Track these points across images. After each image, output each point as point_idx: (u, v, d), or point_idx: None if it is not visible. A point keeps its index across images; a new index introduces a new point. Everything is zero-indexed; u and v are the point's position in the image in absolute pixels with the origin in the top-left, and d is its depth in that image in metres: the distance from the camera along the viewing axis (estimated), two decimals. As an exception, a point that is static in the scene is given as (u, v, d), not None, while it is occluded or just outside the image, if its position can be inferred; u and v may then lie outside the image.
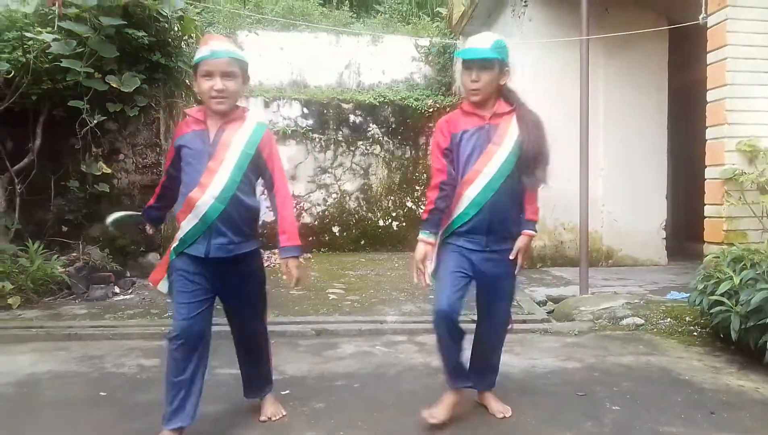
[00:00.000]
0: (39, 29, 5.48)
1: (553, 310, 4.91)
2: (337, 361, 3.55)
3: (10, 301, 4.79)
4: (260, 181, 2.52)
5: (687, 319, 4.31)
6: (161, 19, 6.06)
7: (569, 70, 6.66)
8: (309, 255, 8.36)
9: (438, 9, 11.56)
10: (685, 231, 8.64)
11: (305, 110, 9.03)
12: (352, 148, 9.11)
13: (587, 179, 5.21)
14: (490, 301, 2.65)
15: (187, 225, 2.33)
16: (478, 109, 2.57)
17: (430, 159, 2.50)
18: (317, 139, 9.05)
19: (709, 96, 4.55)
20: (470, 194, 2.50)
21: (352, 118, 9.09)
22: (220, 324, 4.25)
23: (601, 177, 7.06)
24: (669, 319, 4.35)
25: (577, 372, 3.37)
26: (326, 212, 9.08)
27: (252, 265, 2.51)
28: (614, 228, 7.16)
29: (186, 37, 6.69)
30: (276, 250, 2.70)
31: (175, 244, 2.38)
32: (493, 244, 2.55)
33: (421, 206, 9.01)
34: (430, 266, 2.60)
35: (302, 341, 4.02)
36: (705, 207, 4.54)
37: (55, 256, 5.49)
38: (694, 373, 3.33)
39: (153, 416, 2.68)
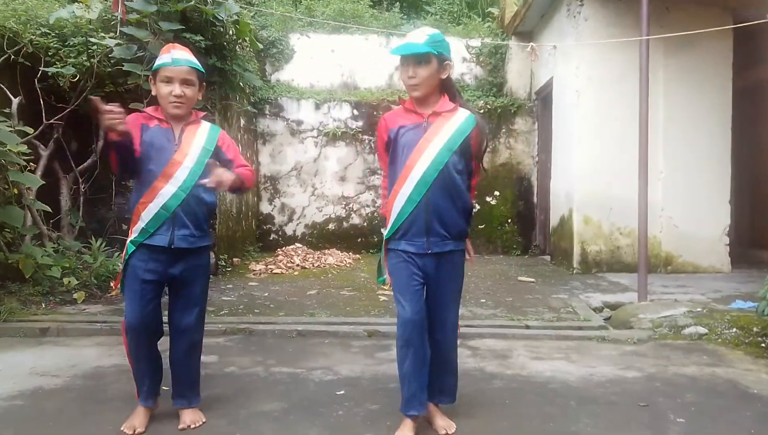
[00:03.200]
0: (102, 35, 5.69)
1: (610, 317, 4.77)
2: (390, 363, 3.54)
3: (75, 295, 4.99)
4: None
5: (755, 329, 4.11)
6: (217, 24, 6.20)
7: (627, 71, 6.48)
8: (358, 256, 8.40)
9: (489, 9, 11.39)
10: (749, 237, 8.26)
11: (355, 112, 9.09)
12: (402, 150, 9.07)
13: (646, 182, 5.04)
14: (440, 307, 2.55)
15: (147, 215, 2.50)
16: (418, 107, 2.54)
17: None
18: (367, 141, 9.09)
19: (780, 96, 4.35)
20: (405, 191, 2.46)
21: (401, 119, 9.07)
22: (270, 323, 4.37)
23: (660, 180, 6.81)
24: (735, 329, 4.16)
25: (637, 381, 3.26)
26: (375, 214, 9.10)
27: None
28: (674, 233, 6.91)
29: (240, 41, 6.83)
30: None
31: (134, 235, 2.54)
32: (435, 246, 2.48)
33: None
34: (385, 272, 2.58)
35: (354, 342, 4.04)
36: (774, 213, 4.34)
37: (116, 253, 5.69)
38: (763, 386, 3.17)
39: (213, 411, 2.75)
